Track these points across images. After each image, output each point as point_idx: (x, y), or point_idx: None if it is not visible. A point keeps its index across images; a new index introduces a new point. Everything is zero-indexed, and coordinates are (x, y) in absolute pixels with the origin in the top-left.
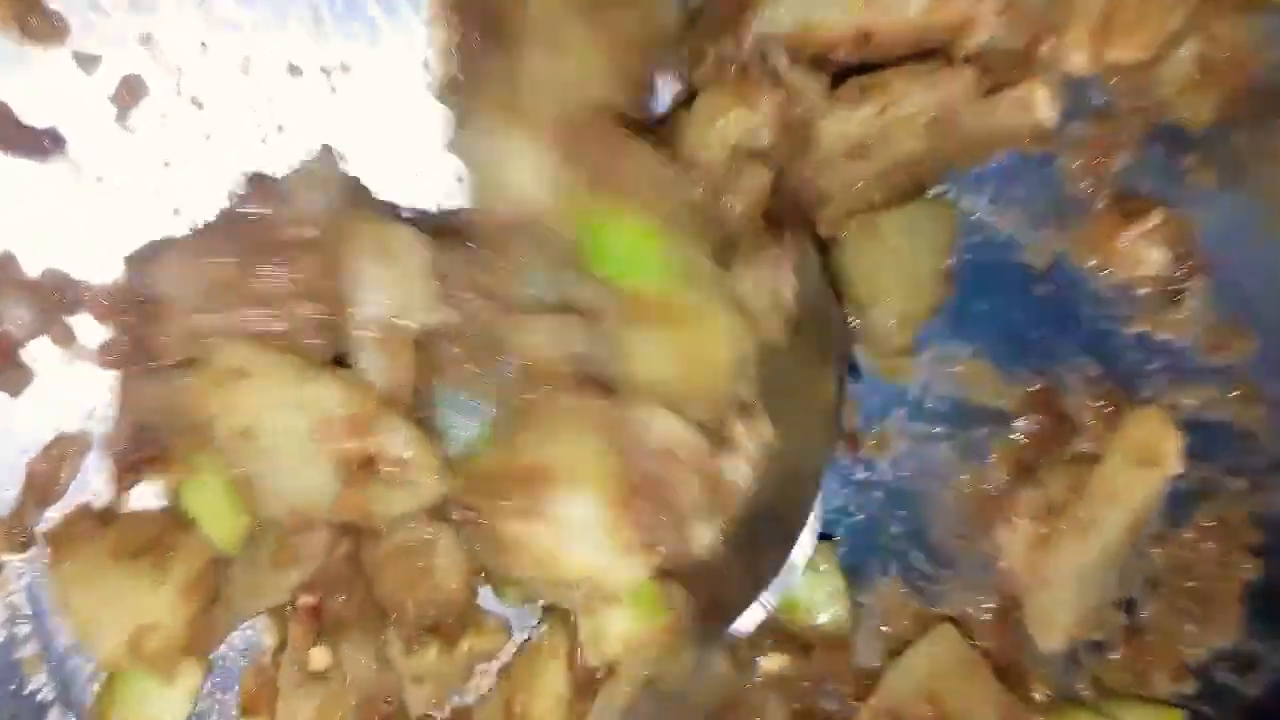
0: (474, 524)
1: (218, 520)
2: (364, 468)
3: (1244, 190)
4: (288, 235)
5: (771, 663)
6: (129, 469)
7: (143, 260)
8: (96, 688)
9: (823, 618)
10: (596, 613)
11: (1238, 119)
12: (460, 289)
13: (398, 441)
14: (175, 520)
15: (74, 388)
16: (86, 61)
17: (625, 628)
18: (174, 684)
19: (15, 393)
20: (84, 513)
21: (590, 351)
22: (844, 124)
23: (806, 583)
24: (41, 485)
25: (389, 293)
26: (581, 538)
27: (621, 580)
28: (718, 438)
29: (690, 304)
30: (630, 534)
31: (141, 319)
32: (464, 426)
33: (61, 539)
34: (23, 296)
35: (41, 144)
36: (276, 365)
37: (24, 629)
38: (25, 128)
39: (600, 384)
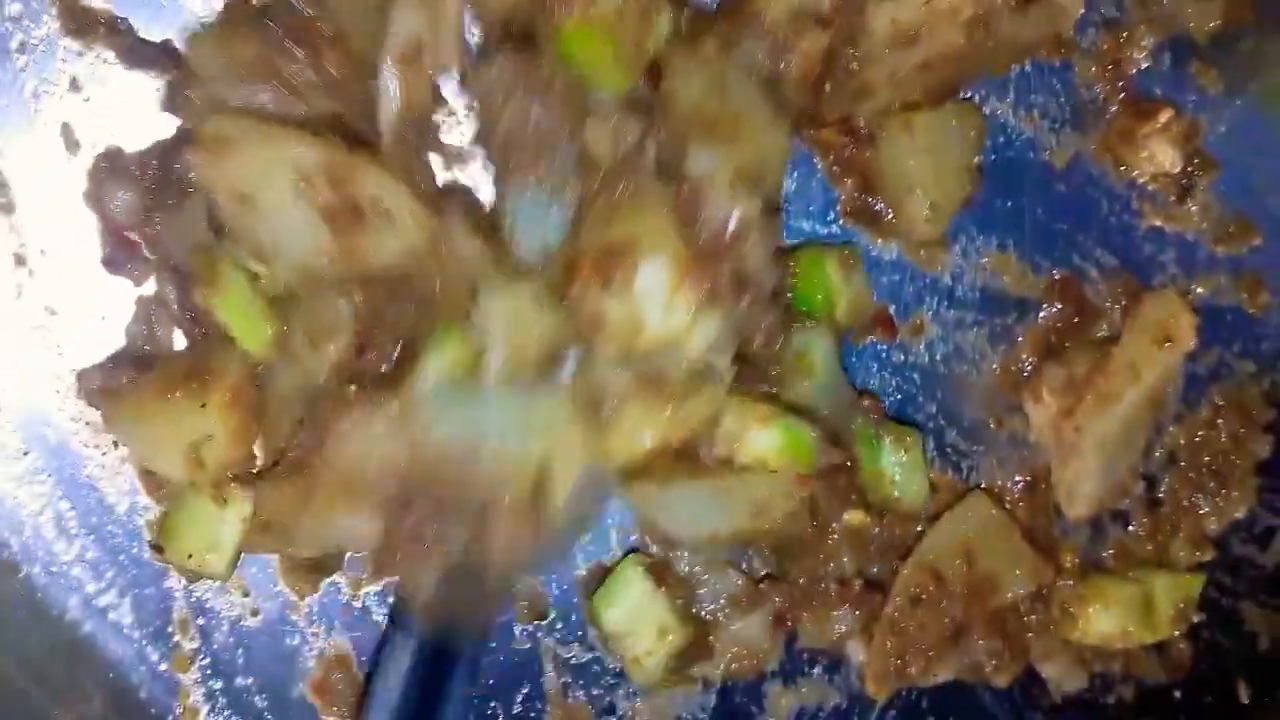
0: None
1: (248, 326)
2: (351, 216)
3: (1248, 93)
4: (317, 28)
5: (853, 517)
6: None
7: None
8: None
9: (900, 494)
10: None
11: (1241, 26)
12: (518, 89)
13: (371, 183)
14: (203, 353)
15: None
16: None
17: None
18: (227, 508)
19: (139, 282)
20: (121, 365)
21: (649, 147)
22: (895, 7)
23: (895, 461)
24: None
25: (418, 24)
26: (656, 303)
27: (696, 342)
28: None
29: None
30: (699, 295)
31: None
32: (538, 224)
33: (109, 393)
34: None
35: (160, 58)
36: (262, 131)
37: None
38: (146, 43)
39: (663, 171)
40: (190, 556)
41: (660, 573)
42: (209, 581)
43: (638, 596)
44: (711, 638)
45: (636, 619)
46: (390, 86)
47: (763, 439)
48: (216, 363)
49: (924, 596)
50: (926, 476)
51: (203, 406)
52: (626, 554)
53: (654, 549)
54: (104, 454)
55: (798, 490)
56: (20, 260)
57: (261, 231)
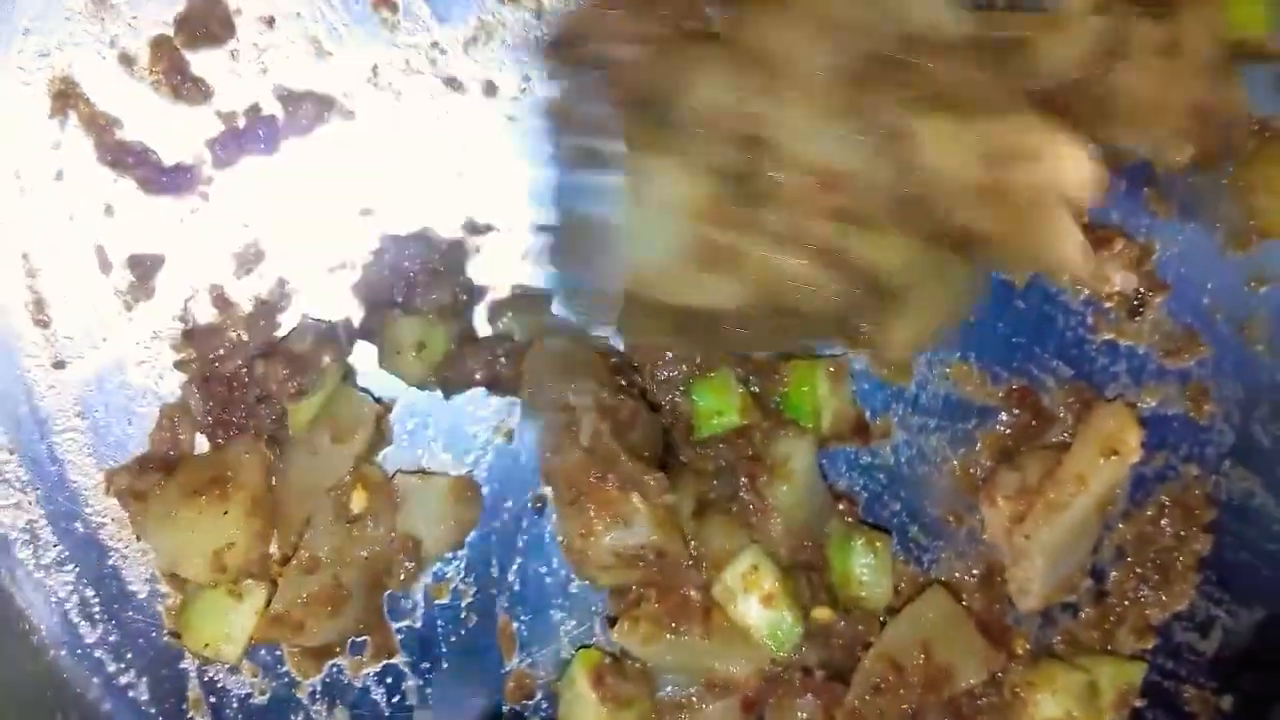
0: None
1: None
2: None
3: (1197, 220)
4: None
5: (821, 614)
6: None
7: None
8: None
9: (866, 594)
10: None
11: (1201, 163)
12: None
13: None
14: (224, 458)
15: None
16: (226, 116)
17: None
18: (242, 601)
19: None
20: (146, 465)
21: None
22: None
23: (865, 564)
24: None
25: None
26: None
27: None
28: None
29: None
30: None
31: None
32: None
33: (137, 494)
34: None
35: (179, 184)
36: None
37: None
38: (167, 171)
39: None
40: (206, 645)
41: (618, 669)
42: (220, 664)
43: (579, 694)
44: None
45: (582, 716)
46: None
47: (753, 613)
48: (237, 469)
49: (884, 686)
50: (891, 578)
51: (225, 514)
52: (579, 649)
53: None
54: (127, 546)
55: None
56: (59, 365)
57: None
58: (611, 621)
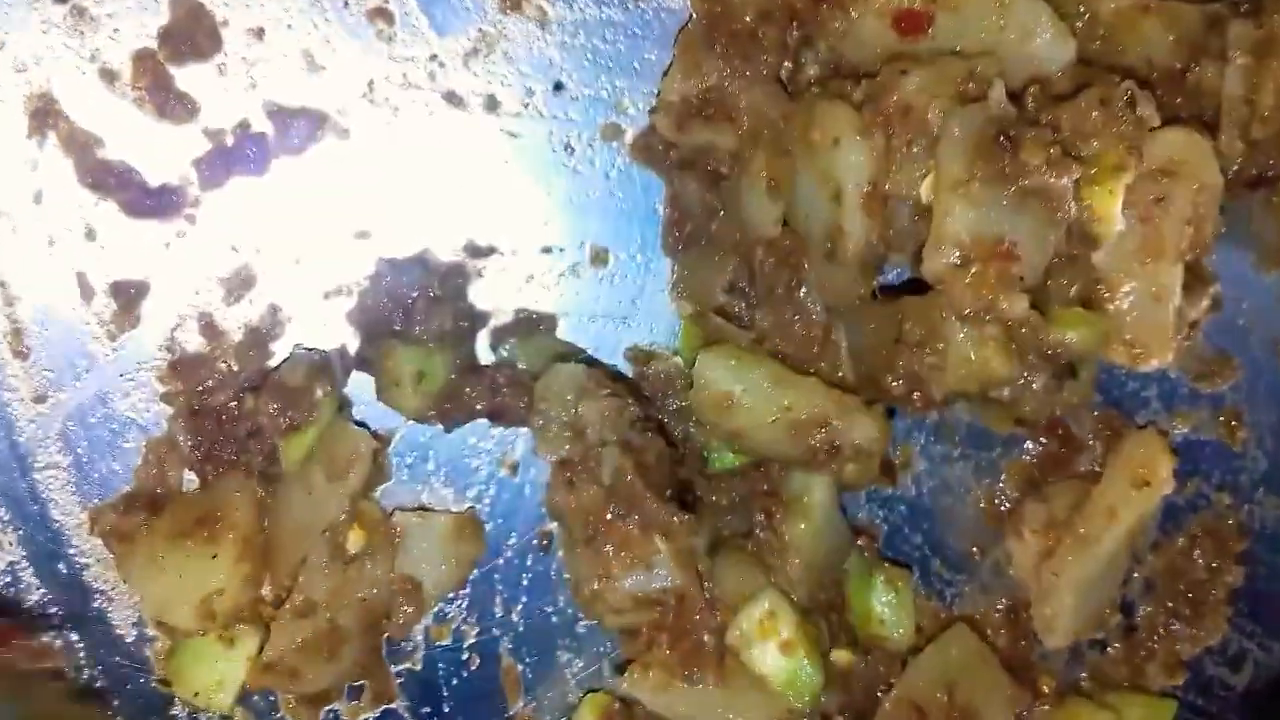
0: None
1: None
2: None
3: (1231, 238)
4: None
5: (840, 657)
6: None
7: None
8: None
9: (888, 633)
10: None
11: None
12: None
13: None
14: (215, 497)
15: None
16: (213, 134)
17: None
18: (234, 647)
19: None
20: (132, 504)
21: None
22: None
23: (885, 602)
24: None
25: None
26: None
27: None
28: None
29: None
30: None
31: None
32: None
33: (123, 536)
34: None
35: (167, 204)
36: None
37: None
38: (150, 192)
39: None
40: (196, 694)
41: (627, 713)
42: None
43: None
44: None
45: None
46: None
47: (770, 661)
48: (226, 509)
49: None
50: (913, 617)
51: (213, 558)
52: (586, 693)
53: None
54: (112, 588)
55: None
56: (40, 399)
57: None
58: (620, 668)
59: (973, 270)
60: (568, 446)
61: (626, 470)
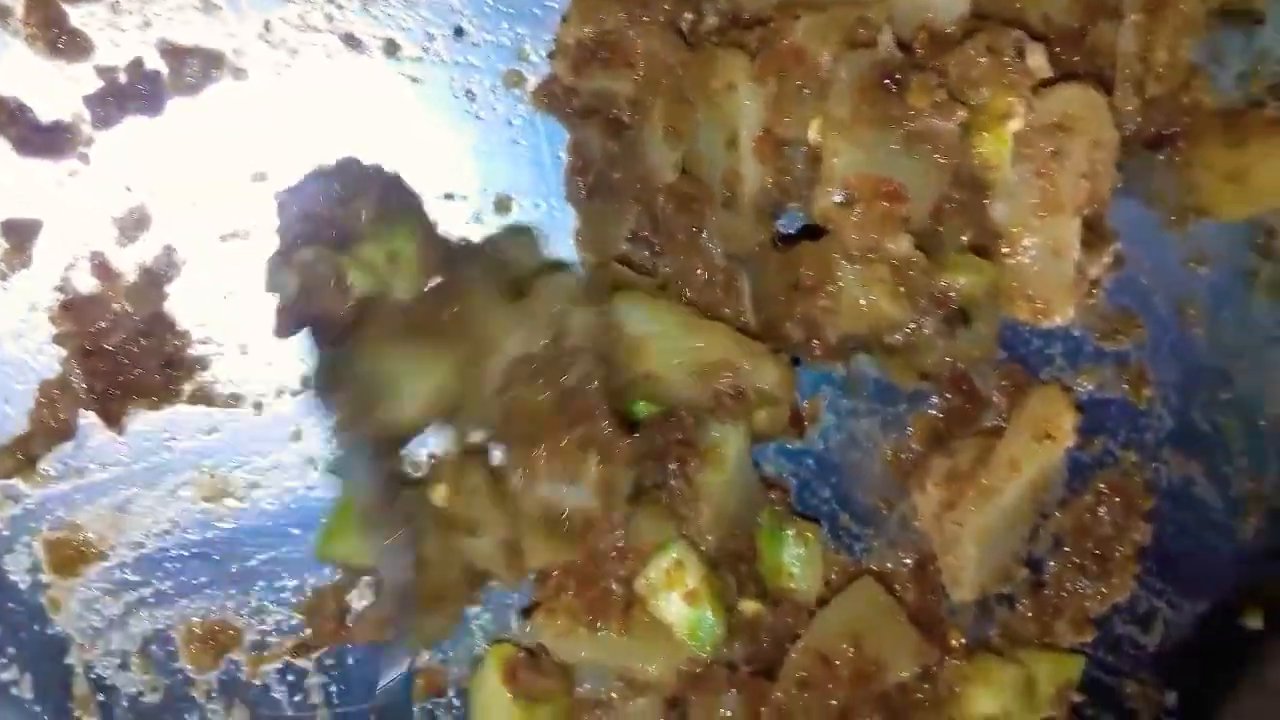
0: None
1: None
2: None
3: (1133, 197)
4: None
5: (749, 608)
6: None
7: None
8: None
9: (796, 585)
10: None
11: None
12: None
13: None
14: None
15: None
16: (105, 72)
17: None
18: None
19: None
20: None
21: None
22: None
23: (795, 556)
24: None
25: None
26: None
27: None
28: None
29: None
30: None
31: None
32: None
33: None
34: None
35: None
36: None
37: None
38: (44, 128)
39: None
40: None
41: (533, 664)
42: (108, 658)
43: (492, 690)
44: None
45: (493, 712)
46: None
47: (674, 610)
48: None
49: (811, 680)
50: (822, 570)
51: None
52: (493, 643)
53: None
54: (4, 533)
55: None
56: None
57: None
58: (526, 612)
59: (858, 209)
60: (541, 344)
61: (593, 379)
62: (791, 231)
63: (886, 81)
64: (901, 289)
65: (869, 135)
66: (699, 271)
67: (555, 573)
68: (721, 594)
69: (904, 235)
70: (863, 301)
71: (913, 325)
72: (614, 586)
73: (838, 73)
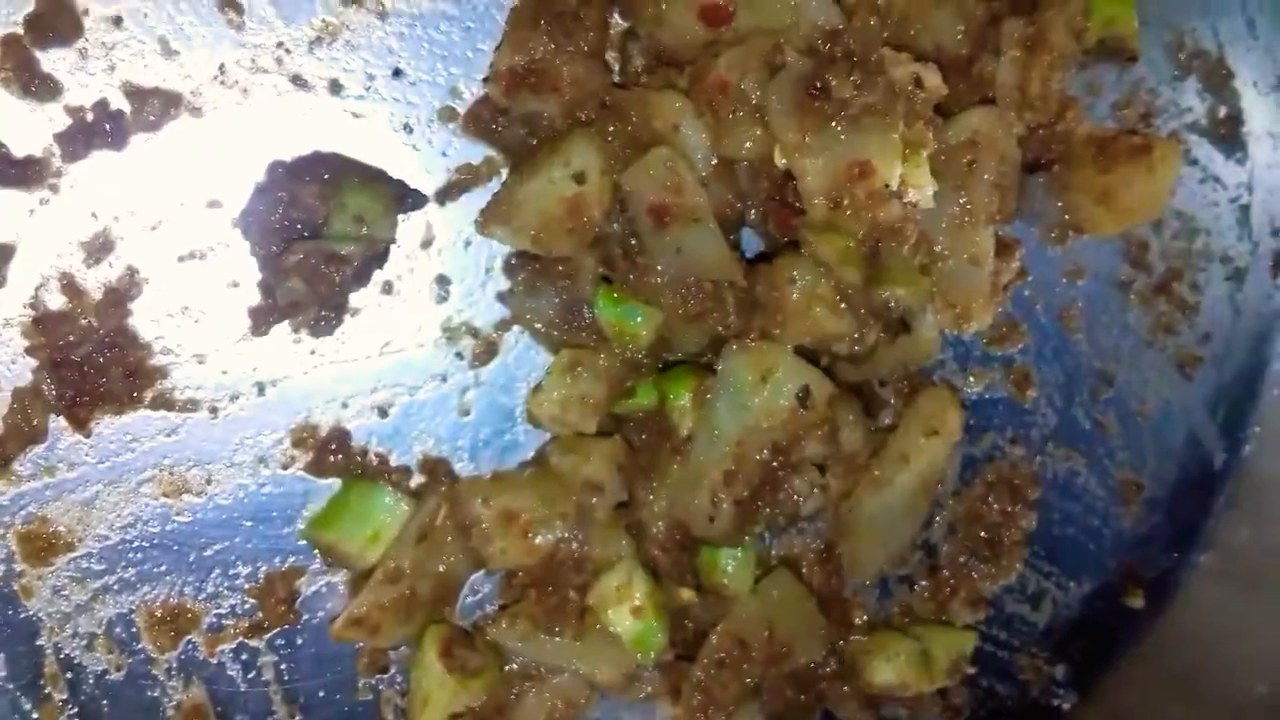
0: None
1: None
2: None
3: (1020, 215)
4: None
5: (685, 595)
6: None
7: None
8: None
9: (729, 582)
10: None
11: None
12: None
13: None
14: None
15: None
16: (74, 111)
17: None
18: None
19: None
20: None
21: None
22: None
23: (731, 554)
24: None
25: None
26: None
27: None
28: None
29: None
30: None
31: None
32: None
33: None
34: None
35: (32, 174)
36: None
37: None
38: (18, 162)
39: None
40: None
41: (466, 641)
42: (75, 640)
43: (429, 665)
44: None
45: (429, 685)
46: None
47: (623, 622)
48: None
49: (728, 661)
50: (753, 573)
51: None
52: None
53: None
54: None
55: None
56: None
57: None
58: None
59: (846, 203)
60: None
61: None
62: (750, 256)
63: (811, 90)
64: (842, 304)
65: (819, 140)
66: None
67: (518, 578)
68: (664, 608)
69: (890, 201)
70: (807, 313)
71: (856, 335)
72: (572, 595)
73: (770, 103)
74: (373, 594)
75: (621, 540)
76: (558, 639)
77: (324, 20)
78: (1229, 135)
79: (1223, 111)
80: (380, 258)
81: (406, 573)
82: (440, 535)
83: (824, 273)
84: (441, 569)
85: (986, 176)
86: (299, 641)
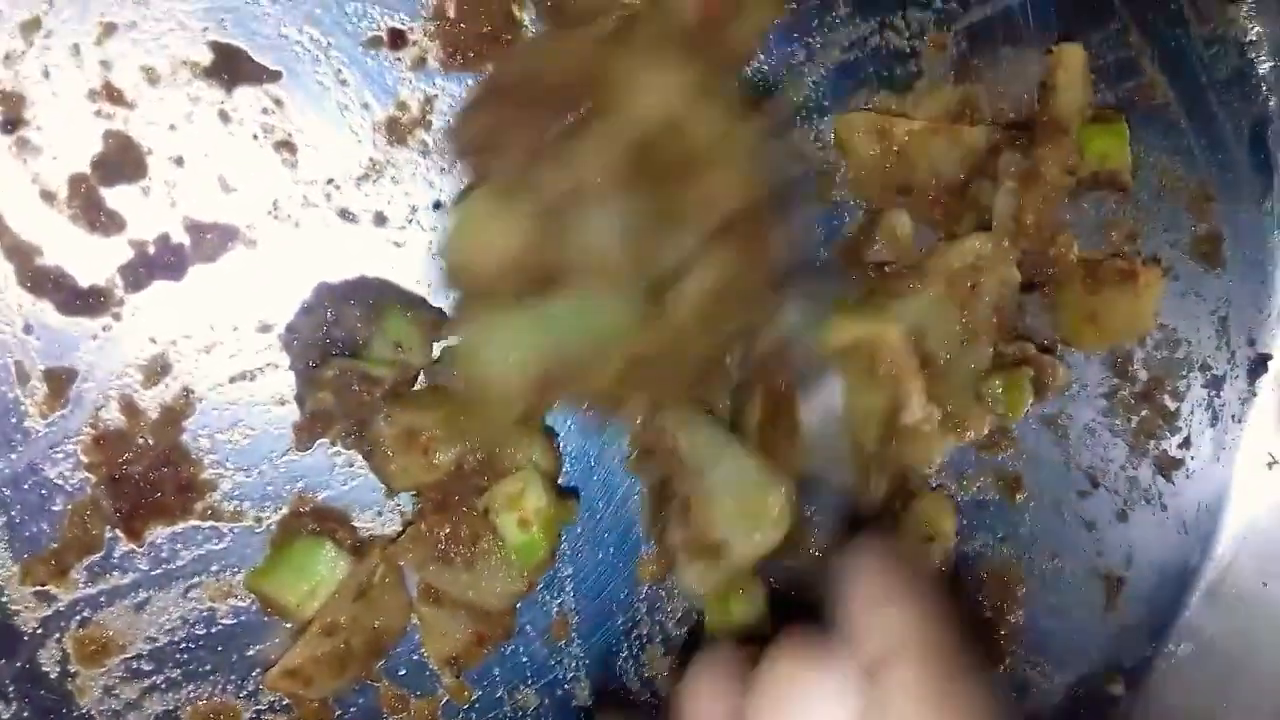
0: None
1: None
2: None
3: (1014, 331)
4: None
5: None
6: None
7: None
8: None
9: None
10: None
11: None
12: None
13: None
14: None
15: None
16: (137, 244)
17: None
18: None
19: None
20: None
21: None
22: None
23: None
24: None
25: None
26: None
27: None
28: None
29: None
30: None
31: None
32: None
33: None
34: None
35: (96, 304)
36: None
37: None
38: (81, 293)
39: None
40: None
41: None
42: None
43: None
44: None
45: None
46: None
47: (509, 527)
48: None
49: None
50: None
51: None
52: None
53: None
54: (39, 630)
55: None
56: None
57: None
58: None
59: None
60: None
61: None
62: None
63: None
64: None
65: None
66: None
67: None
68: (554, 521)
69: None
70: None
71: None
72: (468, 511)
73: None
74: (308, 647)
75: (525, 452)
76: (451, 569)
77: (371, 158)
78: (1210, 253)
79: (1204, 230)
80: (411, 382)
81: (342, 627)
82: (378, 593)
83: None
84: (377, 625)
85: (987, 298)
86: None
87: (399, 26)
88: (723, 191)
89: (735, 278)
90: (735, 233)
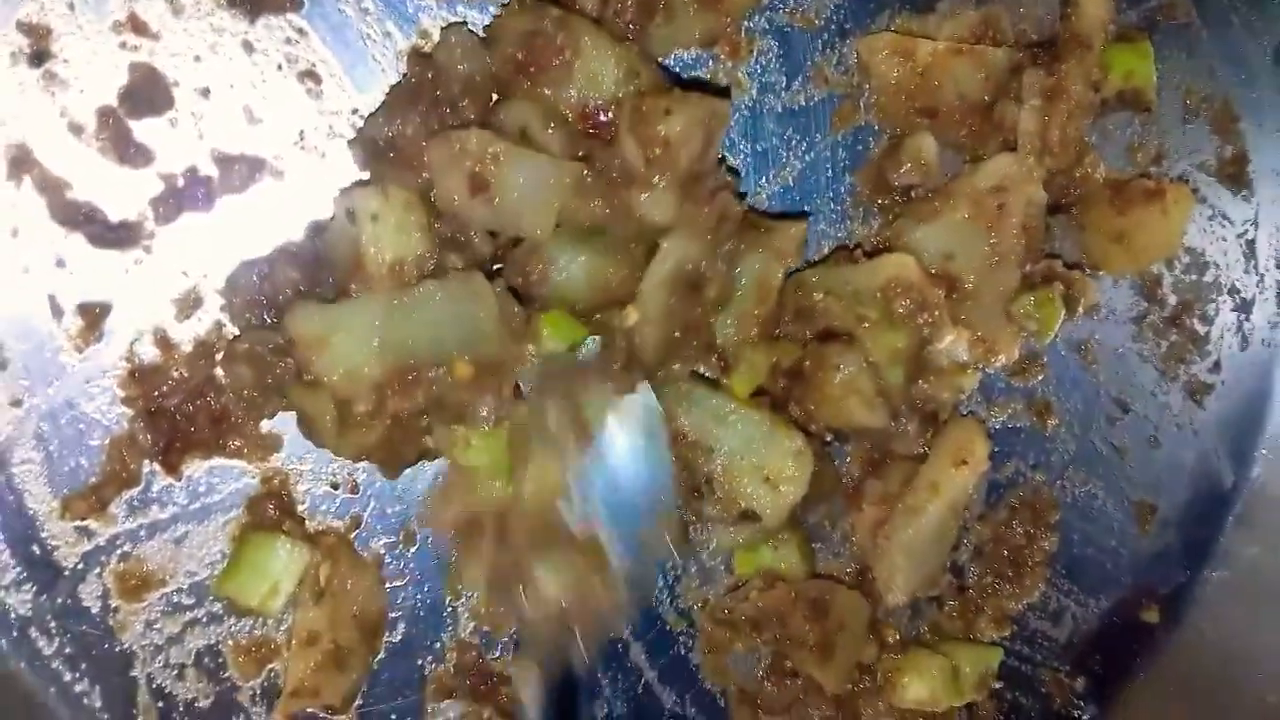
0: None
1: None
2: None
3: (1042, 253)
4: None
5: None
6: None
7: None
8: None
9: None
10: None
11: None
12: None
13: None
14: None
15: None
16: (166, 177)
17: None
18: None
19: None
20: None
21: None
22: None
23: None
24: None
25: None
26: None
27: None
28: None
29: None
30: None
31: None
32: None
33: None
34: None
35: (124, 239)
36: None
37: None
38: (113, 228)
39: None
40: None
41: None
42: (167, 670)
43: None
44: None
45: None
46: None
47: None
48: None
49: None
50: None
51: None
52: None
53: None
54: (79, 565)
55: None
56: (16, 403)
57: None
58: None
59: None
60: None
61: None
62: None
63: None
64: (879, 400)
65: None
66: None
67: None
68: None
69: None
70: (842, 405)
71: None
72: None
73: None
74: (299, 662)
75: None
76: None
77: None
78: (1236, 174)
79: (1229, 152)
80: None
81: (321, 632)
82: (339, 585)
83: (869, 368)
84: (356, 612)
85: (1014, 219)
86: (375, 668)
87: None
88: None
89: None
90: None
